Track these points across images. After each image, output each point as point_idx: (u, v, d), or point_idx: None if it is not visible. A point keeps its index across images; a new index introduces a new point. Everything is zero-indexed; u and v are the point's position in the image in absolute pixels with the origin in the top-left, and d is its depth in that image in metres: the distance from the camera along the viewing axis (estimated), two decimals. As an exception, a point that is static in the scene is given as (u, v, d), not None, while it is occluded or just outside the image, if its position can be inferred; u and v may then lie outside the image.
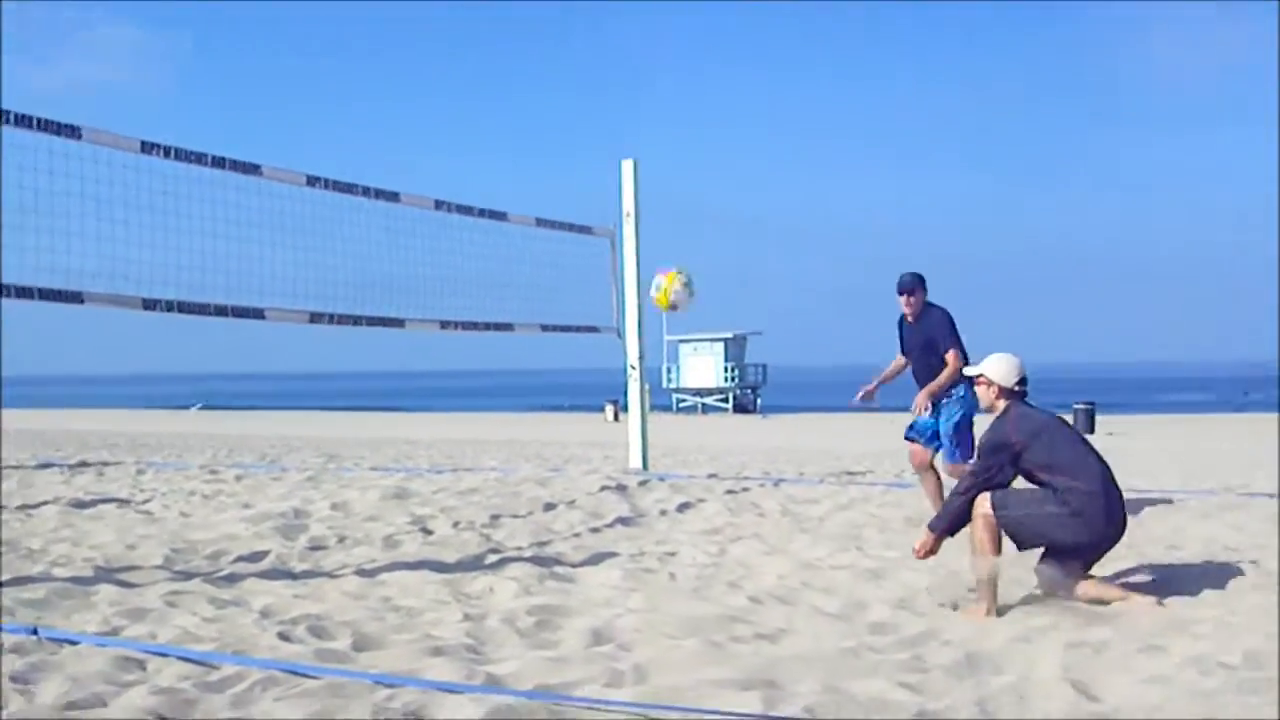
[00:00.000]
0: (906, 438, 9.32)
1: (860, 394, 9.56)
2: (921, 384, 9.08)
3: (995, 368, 6.49)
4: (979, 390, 6.59)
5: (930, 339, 9.06)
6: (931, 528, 6.44)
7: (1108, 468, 6.31)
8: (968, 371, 6.84)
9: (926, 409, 8.97)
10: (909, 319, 9.25)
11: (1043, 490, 6.20)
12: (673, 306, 8.85)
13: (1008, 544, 6.27)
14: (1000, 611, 6.09)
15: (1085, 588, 6.27)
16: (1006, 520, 6.17)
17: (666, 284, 8.83)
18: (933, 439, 9.14)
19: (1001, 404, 6.45)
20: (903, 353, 9.44)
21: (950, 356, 8.91)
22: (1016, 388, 6.44)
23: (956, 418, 8.98)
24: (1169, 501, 10.15)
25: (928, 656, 5.19)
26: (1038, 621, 5.85)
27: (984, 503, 6.21)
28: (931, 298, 9.16)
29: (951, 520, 6.37)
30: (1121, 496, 6.31)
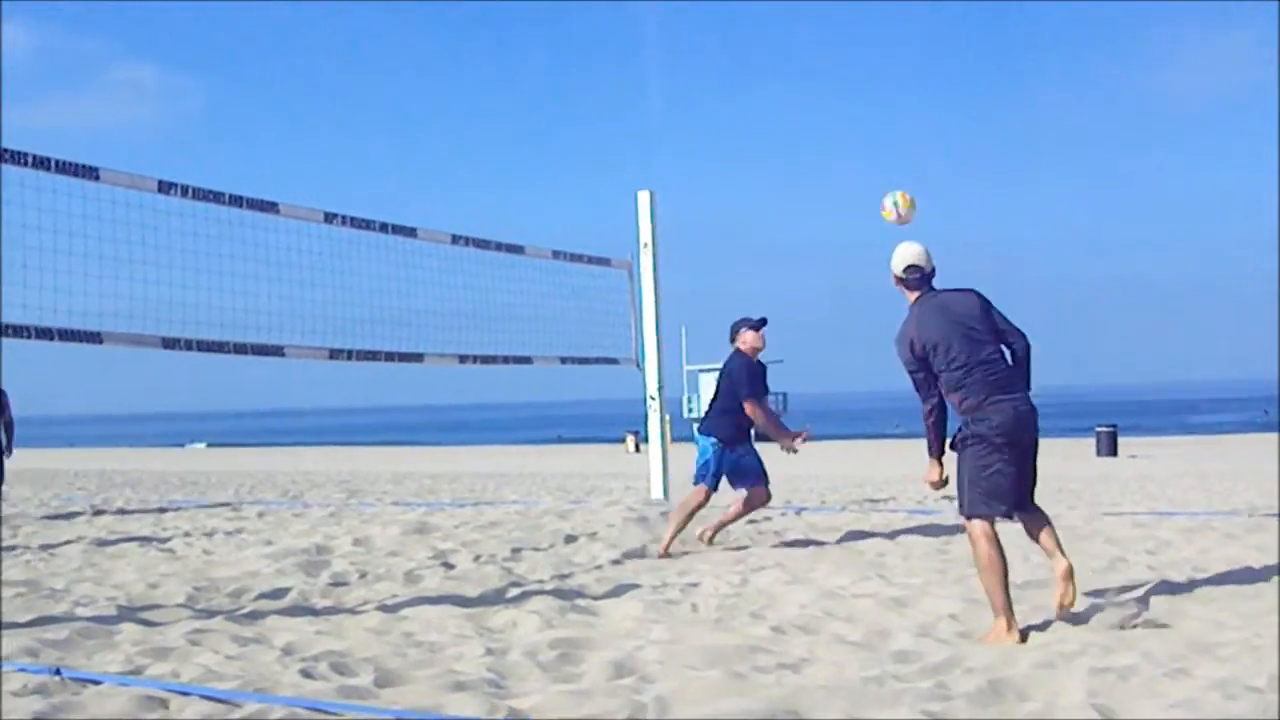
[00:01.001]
0: (712, 484, 9.77)
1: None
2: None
3: (894, 256, 6.49)
4: None
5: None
6: (930, 454, 6.43)
7: (999, 373, 6.26)
8: None
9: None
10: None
11: (958, 461, 6.27)
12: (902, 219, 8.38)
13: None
14: (1024, 637, 6.06)
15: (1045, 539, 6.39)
16: (973, 507, 6.22)
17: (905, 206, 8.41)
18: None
19: (909, 294, 6.45)
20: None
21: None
22: (904, 275, 6.44)
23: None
24: (1193, 524, 10.09)
25: (951, 684, 5.16)
26: (1062, 647, 5.81)
27: (971, 525, 6.26)
28: None
29: (931, 435, 6.38)
30: (1016, 390, 6.29)
